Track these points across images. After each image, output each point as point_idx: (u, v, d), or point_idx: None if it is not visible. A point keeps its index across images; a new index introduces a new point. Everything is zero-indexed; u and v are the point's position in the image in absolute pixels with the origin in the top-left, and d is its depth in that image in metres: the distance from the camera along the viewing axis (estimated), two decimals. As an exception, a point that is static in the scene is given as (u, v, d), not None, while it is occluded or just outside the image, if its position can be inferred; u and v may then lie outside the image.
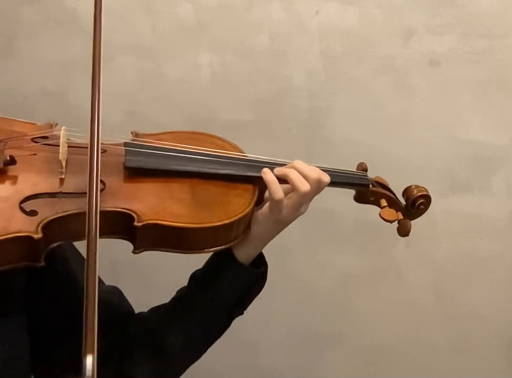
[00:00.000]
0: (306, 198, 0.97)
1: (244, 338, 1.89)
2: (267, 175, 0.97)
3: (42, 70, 1.79)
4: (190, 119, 1.78)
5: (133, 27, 1.77)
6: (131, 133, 1.01)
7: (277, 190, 0.95)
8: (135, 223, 0.88)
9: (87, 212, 0.73)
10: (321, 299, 1.91)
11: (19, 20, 1.76)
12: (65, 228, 0.86)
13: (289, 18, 1.76)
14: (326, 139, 1.81)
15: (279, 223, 0.98)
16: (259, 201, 0.99)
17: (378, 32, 1.76)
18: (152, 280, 1.83)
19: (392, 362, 1.95)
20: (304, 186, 0.95)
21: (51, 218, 0.84)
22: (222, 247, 0.95)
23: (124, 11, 1.75)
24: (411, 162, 1.80)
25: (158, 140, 1.00)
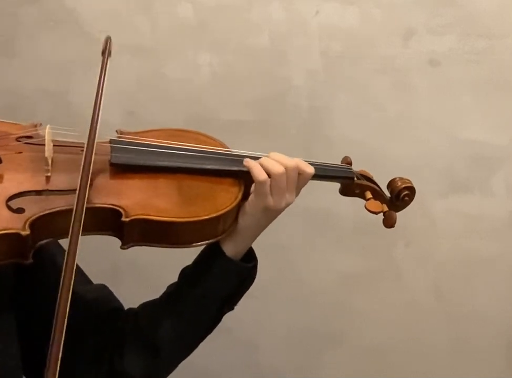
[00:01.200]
0: (282, 182, 0.97)
1: (244, 338, 1.89)
2: (249, 161, 0.98)
3: (42, 70, 1.79)
4: (190, 119, 1.78)
5: (133, 27, 1.77)
6: (116, 131, 1.01)
7: (259, 172, 0.96)
8: (123, 219, 0.88)
9: (74, 210, 0.73)
10: (321, 299, 1.91)
11: (19, 20, 1.76)
12: (52, 225, 0.86)
13: (289, 18, 1.76)
14: (326, 139, 1.81)
15: (267, 213, 0.98)
16: (246, 196, 1.00)
17: (378, 32, 1.76)
18: (152, 280, 1.82)
19: (392, 362, 1.95)
20: (278, 169, 0.96)
21: (38, 215, 0.85)
22: (210, 240, 0.96)
23: (124, 11, 1.75)
24: (411, 162, 1.80)
25: (143, 137, 1.01)
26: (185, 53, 1.79)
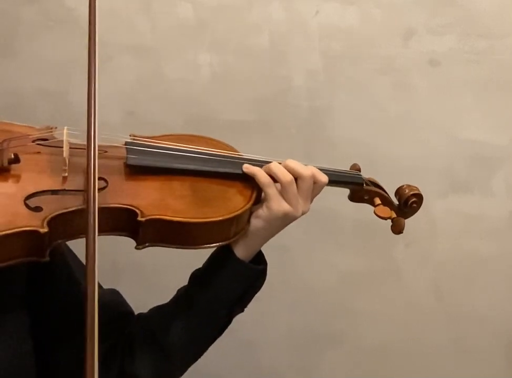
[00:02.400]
0: (293, 190, 0.98)
1: (244, 338, 1.89)
2: (249, 168, 1.00)
3: (42, 70, 1.79)
4: (190, 119, 1.78)
5: (133, 27, 1.77)
6: (130, 135, 1.03)
7: (262, 176, 0.98)
8: (139, 218, 0.89)
9: (87, 208, 0.74)
10: (322, 299, 1.91)
11: (19, 20, 1.76)
12: (69, 224, 0.88)
13: (289, 18, 1.76)
14: (326, 139, 1.81)
15: (283, 219, 0.99)
16: (259, 200, 1.01)
17: (378, 32, 1.76)
18: (152, 280, 1.83)
19: (392, 362, 1.95)
20: (286, 177, 0.98)
21: (56, 213, 0.86)
22: (222, 242, 0.97)
23: (124, 11, 1.75)
24: (411, 162, 1.81)
25: (157, 141, 1.03)
26: (185, 53, 1.79)
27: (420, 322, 1.92)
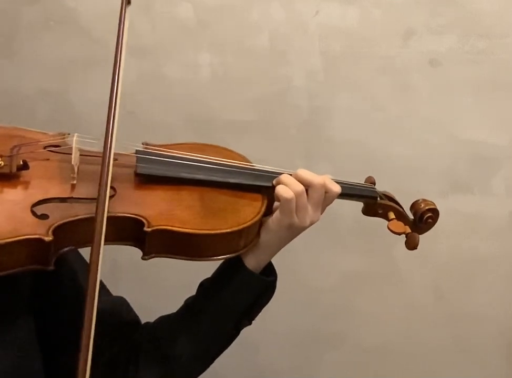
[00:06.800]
0: (303, 200, 0.96)
1: (244, 338, 1.88)
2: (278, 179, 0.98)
3: (42, 70, 1.79)
4: (190, 119, 1.77)
5: (133, 27, 1.77)
6: (142, 143, 1.02)
7: (285, 191, 0.96)
8: (145, 229, 0.88)
9: (96, 216, 0.73)
10: (322, 299, 1.91)
11: (19, 20, 1.76)
12: (75, 233, 0.87)
13: (289, 18, 1.76)
14: (326, 139, 1.80)
15: (291, 230, 0.98)
16: (268, 212, 1.00)
17: (378, 32, 1.76)
18: (152, 280, 1.82)
19: (392, 362, 1.95)
20: (297, 187, 0.96)
21: (62, 221, 0.85)
22: (231, 255, 0.96)
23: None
24: (411, 162, 1.80)
25: (168, 150, 1.02)
26: (185, 53, 1.79)
27: (420, 322, 1.92)
